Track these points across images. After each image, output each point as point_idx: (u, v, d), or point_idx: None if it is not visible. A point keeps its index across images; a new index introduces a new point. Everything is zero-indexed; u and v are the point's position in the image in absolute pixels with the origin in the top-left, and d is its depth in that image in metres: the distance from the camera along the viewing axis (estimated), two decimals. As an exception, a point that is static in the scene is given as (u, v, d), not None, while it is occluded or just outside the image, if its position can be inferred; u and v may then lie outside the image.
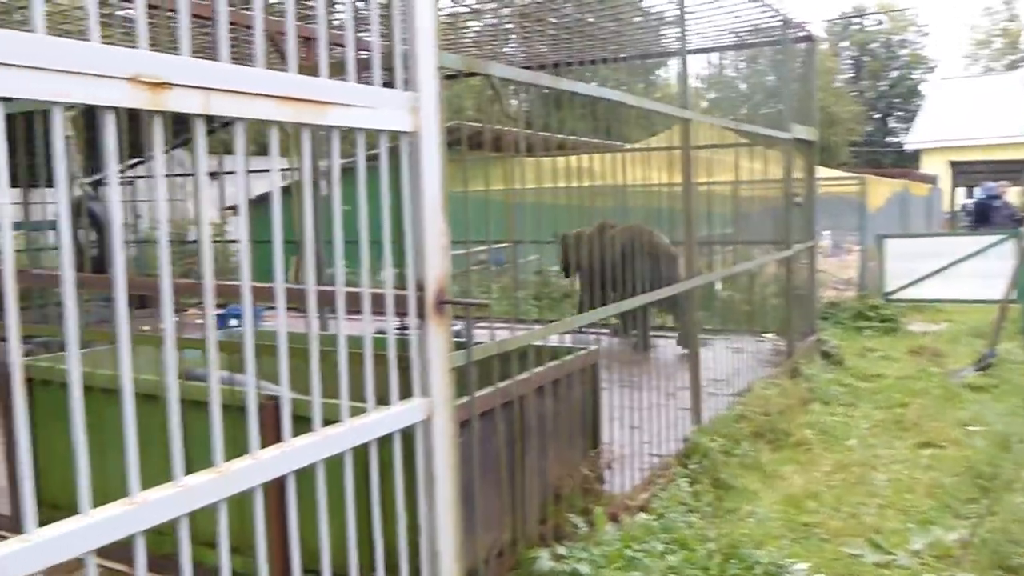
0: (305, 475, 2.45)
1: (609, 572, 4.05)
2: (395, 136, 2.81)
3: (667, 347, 9.39)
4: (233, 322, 8.94)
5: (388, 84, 2.79)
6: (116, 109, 1.92)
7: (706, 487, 5.48)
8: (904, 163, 40.07)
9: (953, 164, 31.66)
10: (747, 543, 4.61)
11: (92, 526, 1.87)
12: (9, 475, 4.65)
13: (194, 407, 2.55)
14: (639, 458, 5.53)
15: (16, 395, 1.75)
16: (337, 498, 2.60)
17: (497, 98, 4.00)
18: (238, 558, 2.38)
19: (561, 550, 4.12)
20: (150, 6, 2.00)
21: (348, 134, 2.62)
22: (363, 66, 2.74)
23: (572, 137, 5.40)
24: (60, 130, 1.82)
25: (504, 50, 10.40)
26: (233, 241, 10.81)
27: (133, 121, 3.88)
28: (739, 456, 6.12)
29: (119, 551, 1.94)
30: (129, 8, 6.96)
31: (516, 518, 4.17)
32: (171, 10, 4.09)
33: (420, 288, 2.90)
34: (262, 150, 2.49)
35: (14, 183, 1.77)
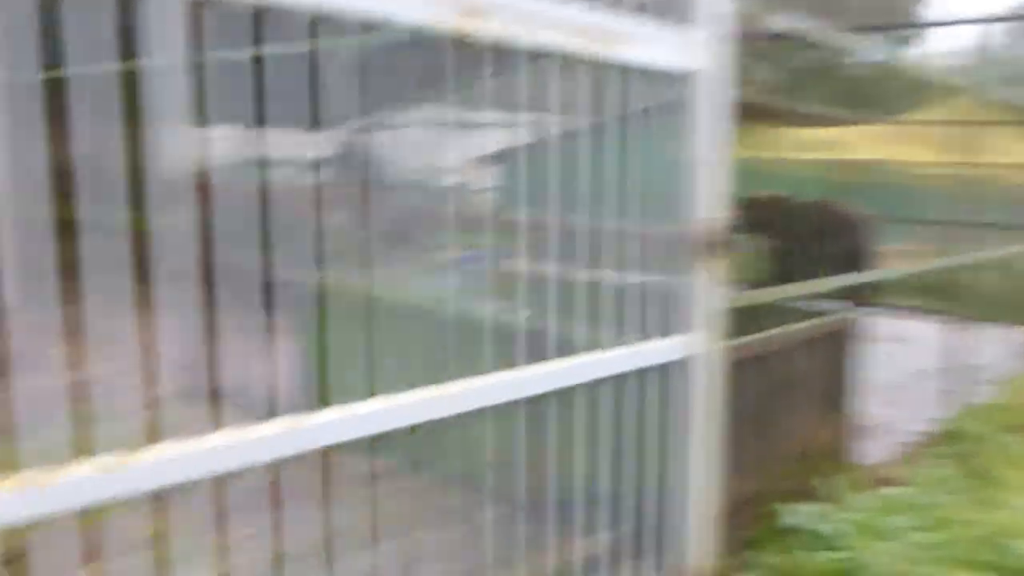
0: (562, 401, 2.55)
1: (854, 539, 3.97)
2: (684, 78, 2.85)
3: (920, 327, 8.98)
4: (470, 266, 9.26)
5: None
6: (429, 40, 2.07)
7: (959, 471, 5.23)
8: None
9: None
10: (1002, 533, 4.38)
11: (376, 412, 2.08)
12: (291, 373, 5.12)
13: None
14: (891, 432, 5.39)
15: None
16: (590, 427, 2.69)
17: (778, 57, 3.94)
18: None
19: (807, 509, 4.08)
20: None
21: (633, 76, 2.68)
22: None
23: (832, 111, 5.26)
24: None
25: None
26: (487, 189, 11.30)
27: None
28: (998, 445, 5.80)
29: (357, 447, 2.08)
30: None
31: (764, 471, 4.16)
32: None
33: (693, 228, 2.94)
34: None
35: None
